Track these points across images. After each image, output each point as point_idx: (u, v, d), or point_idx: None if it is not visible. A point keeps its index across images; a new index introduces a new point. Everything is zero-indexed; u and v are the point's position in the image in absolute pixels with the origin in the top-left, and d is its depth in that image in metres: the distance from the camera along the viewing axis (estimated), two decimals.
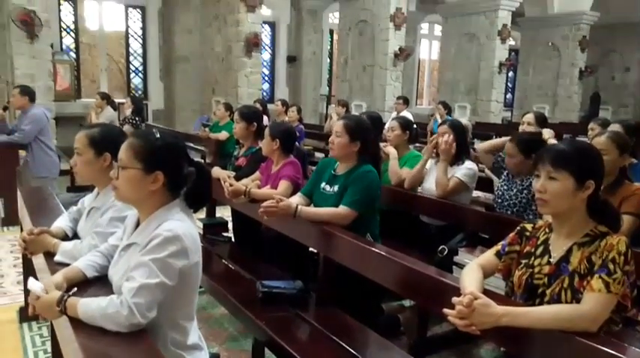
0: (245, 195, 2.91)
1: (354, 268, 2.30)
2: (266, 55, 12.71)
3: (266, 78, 12.87)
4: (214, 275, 2.85)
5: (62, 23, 10.52)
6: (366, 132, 2.68)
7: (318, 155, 8.02)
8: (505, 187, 3.03)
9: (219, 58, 9.50)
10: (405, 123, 3.61)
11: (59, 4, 10.30)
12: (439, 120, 7.09)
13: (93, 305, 1.36)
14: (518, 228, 1.77)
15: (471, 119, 10.58)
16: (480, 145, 3.90)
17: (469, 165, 3.25)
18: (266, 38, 12.60)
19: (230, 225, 3.90)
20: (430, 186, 3.39)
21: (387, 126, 4.65)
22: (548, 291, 1.59)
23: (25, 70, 7.13)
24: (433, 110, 9.84)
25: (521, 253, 1.71)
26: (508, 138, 3.21)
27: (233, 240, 3.64)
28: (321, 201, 2.68)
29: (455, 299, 1.49)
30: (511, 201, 2.95)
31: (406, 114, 6.93)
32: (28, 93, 4.93)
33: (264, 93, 11.94)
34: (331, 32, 14.42)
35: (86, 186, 5.23)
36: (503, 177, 3.12)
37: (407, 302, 3.36)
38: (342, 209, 2.49)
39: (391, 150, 3.50)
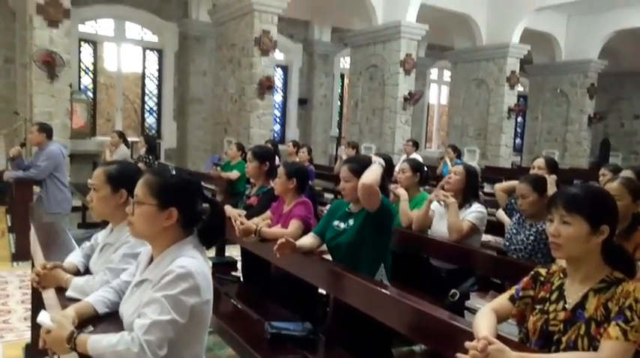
0: (255, 234, 2.93)
1: (363, 310, 2.28)
2: (278, 97, 12.95)
3: (277, 119, 13.07)
4: (222, 315, 2.82)
5: (81, 64, 10.86)
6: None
7: (328, 196, 8.06)
8: (514, 231, 3.02)
9: (232, 99, 9.71)
10: (415, 166, 3.65)
11: (79, 46, 10.65)
12: (449, 164, 7.12)
13: (103, 341, 1.35)
14: (532, 272, 1.75)
15: (480, 163, 10.64)
16: (498, 185, 3.93)
17: (479, 208, 3.25)
18: (278, 81, 12.87)
19: (239, 265, 3.88)
20: (439, 229, 3.38)
21: (397, 168, 4.69)
22: (564, 338, 1.55)
23: (43, 108, 7.32)
24: (442, 153, 9.89)
25: (536, 298, 1.69)
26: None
27: (242, 279, 3.62)
28: (333, 238, 2.69)
29: (468, 344, 1.47)
30: (519, 245, 2.94)
31: (416, 156, 6.98)
32: (46, 130, 5.05)
33: (275, 134, 12.10)
34: (342, 76, 14.72)
35: (97, 223, 5.29)
36: (514, 220, 3.11)
37: (417, 348, 3.29)
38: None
39: (402, 192, 3.51)
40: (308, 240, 2.75)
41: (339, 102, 14.74)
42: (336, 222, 2.73)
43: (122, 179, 1.95)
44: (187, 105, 11.55)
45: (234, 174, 6.20)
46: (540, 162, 3.91)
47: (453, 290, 2.83)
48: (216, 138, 10.42)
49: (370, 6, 10.56)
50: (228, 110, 9.85)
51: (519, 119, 15.56)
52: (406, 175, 3.58)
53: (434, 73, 16.14)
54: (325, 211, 3.19)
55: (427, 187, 4.59)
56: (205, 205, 1.59)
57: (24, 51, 9.25)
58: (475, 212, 3.19)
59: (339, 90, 14.76)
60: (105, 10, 10.78)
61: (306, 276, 2.70)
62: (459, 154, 8.10)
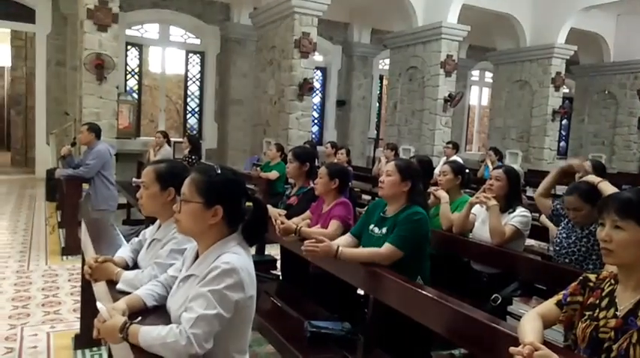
0: (295, 234, 2.95)
1: (403, 311, 2.26)
2: (316, 99, 13.02)
3: (315, 121, 13.14)
4: (262, 313, 2.85)
5: (128, 66, 11.23)
6: (416, 174, 2.69)
7: (365, 197, 8.04)
8: (564, 235, 2.92)
9: (271, 100, 9.83)
10: (457, 168, 3.60)
11: (126, 49, 11.02)
12: (490, 167, 6.99)
13: (154, 333, 1.40)
14: (580, 277, 1.70)
15: (522, 166, 10.37)
16: (536, 193, 3.80)
17: (523, 212, 3.18)
18: (317, 82, 12.94)
19: (278, 263, 3.92)
20: (481, 233, 3.32)
21: (437, 170, 4.64)
22: (614, 347, 1.50)
23: (92, 109, 7.60)
24: (483, 156, 9.71)
25: (584, 304, 1.64)
26: (557, 170, 3.13)
27: (281, 278, 3.66)
28: (368, 243, 2.67)
29: (513, 349, 1.44)
30: (569, 248, 2.84)
31: (456, 159, 6.87)
32: (95, 130, 5.24)
33: (313, 136, 12.16)
34: (381, 77, 14.67)
35: (141, 220, 5.45)
36: (562, 224, 3.01)
37: (457, 352, 3.24)
38: (384, 248, 2.47)
39: (442, 194, 3.47)
40: (345, 240, 2.75)
41: (377, 104, 14.69)
42: (371, 226, 2.72)
43: (170, 177, 2.01)
44: (228, 106, 11.76)
45: (273, 175, 6.27)
46: (588, 165, 3.77)
47: (494, 295, 2.77)
48: (256, 139, 10.56)
49: (411, 7, 10.48)
50: (268, 111, 9.97)
51: (564, 121, 15.09)
52: (447, 177, 3.54)
53: (475, 74, 15.87)
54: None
55: (467, 190, 4.52)
56: (249, 204, 1.62)
57: (74, 54, 9.65)
58: (519, 216, 3.12)
59: (378, 92, 14.71)
60: (150, 15, 11.12)
61: (345, 276, 2.71)
62: (500, 157, 7.94)
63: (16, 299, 3.85)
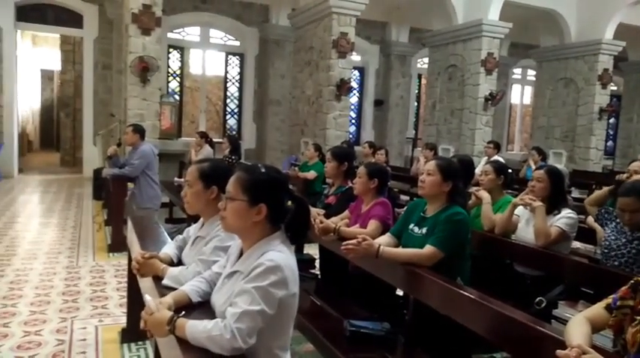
0: (334, 233, 2.96)
1: (443, 312, 2.24)
2: (354, 99, 13.00)
3: (353, 120, 13.12)
4: (301, 311, 2.84)
5: (170, 69, 11.53)
6: (457, 173, 2.67)
7: (404, 197, 7.97)
8: (612, 237, 2.82)
9: (309, 101, 9.88)
10: (499, 168, 3.53)
11: (168, 52, 11.32)
12: (533, 167, 6.81)
13: (200, 326, 1.44)
14: (631, 281, 1.64)
15: (567, 166, 10.05)
16: (587, 200, 3.69)
17: (569, 213, 3.08)
18: (354, 82, 12.93)
19: (317, 263, 3.95)
20: (524, 235, 3.25)
21: (478, 169, 4.56)
22: None
23: (136, 111, 7.83)
24: (526, 156, 9.47)
25: (636, 309, 1.58)
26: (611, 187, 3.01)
27: (320, 277, 3.68)
28: (408, 243, 2.66)
29: (560, 352, 1.40)
30: (619, 251, 2.73)
31: (497, 159, 6.73)
32: (140, 131, 5.41)
33: (351, 136, 12.15)
34: (419, 76, 14.52)
35: (183, 218, 5.57)
36: (611, 226, 2.91)
37: (499, 356, 3.18)
38: (426, 249, 2.45)
39: (484, 195, 3.41)
40: (385, 239, 2.75)
41: (415, 104, 14.54)
42: (411, 225, 2.70)
43: (214, 176, 2.06)
44: (266, 107, 11.90)
45: (311, 174, 6.30)
46: (637, 165, 3.64)
47: (539, 298, 2.71)
48: (293, 139, 10.64)
49: (450, 5, 10.33)
50: (305, 112, 10.02)
51: (611, 120, 14.52)
52: (489, 177, 3.48)
53: (517, 72, 15.49)
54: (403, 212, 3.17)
55: (509, 191, 4.42)
56: (292, 202, 1.64)
57: (120, 58, 9.96)
58: (565, 218, 3.03)
59: (416, 91, 14.56)
60: (191, 18, 11.37)
61: (385, 276, 2.70)
62: (544, 157, 7.72)
63: (67, 294, 4.02)
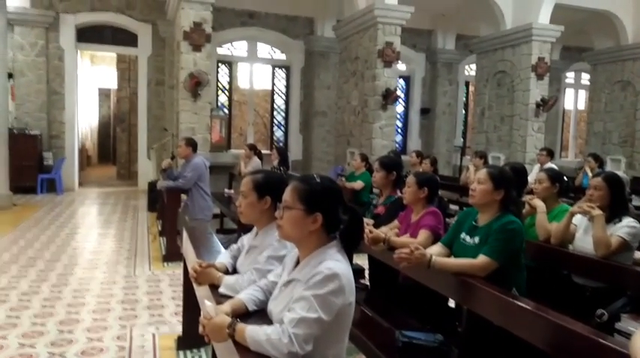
0: (384, 243, 2.96)
1: (499, 323, 2.19)
2: (399, 108, 12.93)
3: (399, 129, 13.04)
4: (352, 321, 2.87)
5: (219, 83, 11.87)
6: (510, 181, 2.62)
7: (453, 207, 7.83)
8: None
9: (355, 111, 9.91)
10: (554, 175, 3.42)
11: (217, 67, 11.66)
12: (589, 174, 6.54)
13: (259, 330, 1.48)
14: None
15: (627, 173, 9.59)
16: None
17: (631, 222, 2.95)
18: (400, 91, 12.86)
19: (366, 273, 3.94)
20: (583, 244, 3.13)
21: (531, 177, 4.44)
22: None
23: (188, 124, 8.11)
24: (581, 163, 9.11)
25: None
26: None
27: (369, 287, 3.67)
28: (460, 252, 2.62)
29: None
30: None
31: (551, 166, 6.52)
32: (192, 144, 5.60)
33: (397, 145, 12.08)
34: (466, 83, 14.29)
35: (234, 229, 5.69)
36: None
37: None
38: (480, 259, 2.41)
39: (539, 203, 3.31)
40: (436, 249, 2.72)
41: (463, 111, 14.30)
42: (463, 235, 2.66)
43: (267, 187, 2.11)
44: (312, 118, 12.02)
45: (358, 184, 6.30)
46: None
47: (600, 310, 2.60)
48: (339, 149, 10.68)
49: (498, 10, 10.15)
50: (351, 122, 10.06)
51: None
52: (544, 186, 3.38)
53: (570, 76, 14.97)
54: (453, 221, 3.13)
55: (565, 199, 4.28)
56: (346, 212, 1.66)
57: (172, 74, 10.37)
58: (627, 227, 2.91)
59: (464, 99, 14.32)
60: (239, 33, 11.69)
61: (436, 286, 2.67)
62: (600, 163, 7.39)
63: (126, 302, 4.19)
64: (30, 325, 3.62)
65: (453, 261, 2.53)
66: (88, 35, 10.94)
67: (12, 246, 5.92)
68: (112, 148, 16.97)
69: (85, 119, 14.15)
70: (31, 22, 10.22)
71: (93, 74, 15.60)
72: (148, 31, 11.04)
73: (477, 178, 2.65)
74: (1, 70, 8.18)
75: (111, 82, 15.71)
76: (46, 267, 5.12)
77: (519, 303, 2.11)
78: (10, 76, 9.51)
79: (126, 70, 13.68)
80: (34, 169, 9.97)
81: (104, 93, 17.40)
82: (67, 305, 4.04)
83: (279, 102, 12.69)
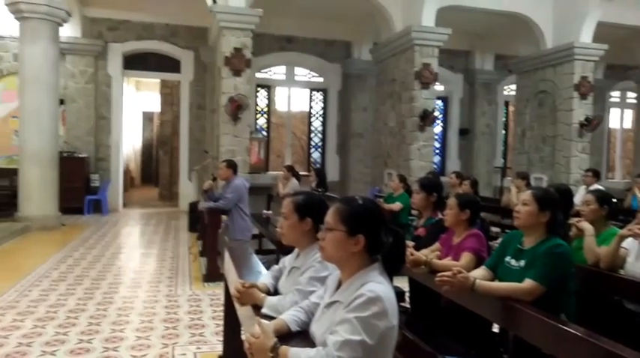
0: (425, 265, 2.92)
1: (547, 350, 2.12)
2: (437, 128, 12.83)
3: (437, 151, 12.92)
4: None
5: (257, 106, 12.11)
6: (555, 203, 2.56)
7: (494, 229, 7.65)
8: None
9: (392, 132, 9.91)
10: (602, 197, 3.32)
11: (256, 91, 11.92)
12: (639, 196, 6.30)
13: (302, 354, 1.48)
14: None
15: None
16: None
17: None
18: (438, 112, 12.79)
19: (406, 296, 3.89)
20: (634, 269, 3.01)
21: (577, 199, 4.31)
22: None
23: (228, 147, 8.29)
24: (629, 184, 8.77)
25: None
26: None
27: (410, 310, 3.61)
28: (505, 276, 2.56)
29: None
30: None
31: (598, 188, 6.31)
32: (233, 166, 5.72)
33: (435, 166, 11.96)
34: (506, 104, 14.08)
35: (272, 249, 5.73)
36: None
37: None
38: (526, 283, 2.35)
39: (586, 226, 3.21)
40: (480, 272, 2.67)
41: (503, 132, 14.06)
42: (508, 258, 2.61)
43: (308, 208, 2.14)
44: (349, 139, 12.08)
45: (396, 206, 6.24)
46: None
47: None
48: (377, 170, 10.67)
49: (538, 30, 10.02)
50: (388, 143, 10.05)
51: None
52: (591, 208, 3.27)
53: (615, 95, 14.54)
54: (496, 244, 3.06)
55: (614, 222, 4.12)
56: (389, 234, 1.66)
57: (212, 98, 10.65)
58: None
59: (504, 119, 14.10)
60: (278, 58, 11.95)
61: (480, 310, 2.61)
62: None
63: (167, 321, 4.26)
64: (77, 341, 3.73)
65: (497, 284, 2.47)
66: (134, 62, 11.41)
67: (60, 264, 6.14)
68: (154, 170, 17.46)
69: (129, 142, 14.65)
70: (82, 51, 10.76)
71: (137, 99, 16.20)
72: (191, 57, 11.42)
73: (521, 200, 2.61)
74: (53, 96, 8.60)
75: (154, 106, 16.27)
76: (92, 285, 5.28)
77: (569, 329, 2.04)
78: (62, 102, 10.00)
79: (169, 94, 14.15)
80: (82, 191, 10.36)
81: (148, 117, 18.01)
82: (112, 323, 4.14)
83: (317, 124, 12.83)
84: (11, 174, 9.14)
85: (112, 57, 11.04)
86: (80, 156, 10.49)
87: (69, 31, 10.18)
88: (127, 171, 14.09)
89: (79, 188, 10.30)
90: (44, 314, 4.30)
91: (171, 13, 10.91)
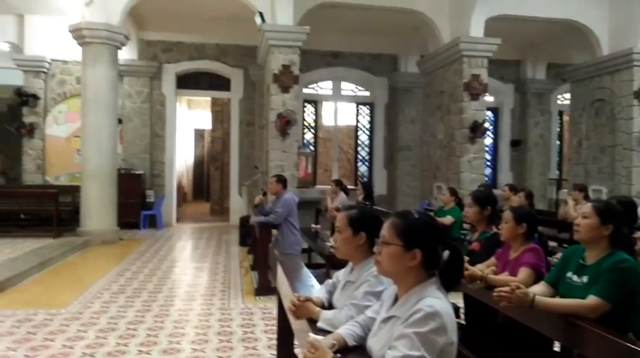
0: (481, 281, 2.85)
1: None
2: (488, 140, 12.55)
3: (488, 163, 12.63)
4: None
5: (305, 122, 12.26)
6: (618, 216, 2.45)
7: (550, 243, 7.37)
8: None
9: (441, 144, 9.78)
10: None
11: (303, 106, 12.08)
12: None
13: None
14: None
15: None
16: None
17: None
18: (488, 123, 12.52)
19: (461, 311, 3.80)
20: None
21: None
22: None
23: (277, 162, 8.42)
24: None
25: None
26: None
27: (465, 326, 3.53)
28: (567, 292, 2.47)
29: None
30: None
31: None
32: (282, 181, 5.81)
33: (487, 179, 11.68)
34: (560, 113, 13.62)
35: (322, 263, 5.74)
36: None
37: None
38: (590, 300, 2.25)
39: None
40: (539, 288, 2.58)
41: (557, 142, 13.58)
42: (569, 273, 2.51)
43: (362, 222, 2.14)
44: (397, 153, 12.01)
45: (448, 220, 6.13)
46: None
47: None
48: (426, 184, 10.53)
49: (593, 37, 9.69)
50: (438, 156, 9.92)
51: None
52: None
53: None
54: (555, 259, 2.96)
55: None
56: (445, 248, 1.64)
57: (261, 114, 10.89)
58: None
59: (558, 129, 13.63)
60: (325, 74, 12.09)
61: (540, 327, 2.51)
62: None
63: (221, 334, 4.35)
64: (137, 353, 3.86)
65: (559, 301, 2.39)
66: (186, 82, 11.85)
67: (119, 277, 6.39)
68: (205, 186, 17.93)
69: (181, 159, 15.15)
70: (138, 73, 11.28)
71: (189, 117, 16.75)
72: (240, 75, 11.74)
73: (581, 213, 2.52)
74: (112, 116, 9.03)
75: (205, 123, 16.77)
76: (149, 297, 5.47)
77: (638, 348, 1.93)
78: (120, 121, 10.48)
79: (219, 112, 14.57)
80: (138, 206, 10.78)
81: (199, 134, 18.57)
82: (169, 335, 4.26)
83: (363, 138, 12.84)
84: (73, 191, 9.63)
85: (165, 77, 11.51)
86: (136, 172, 10.94)
87: (126, 53, 10.69)
88: (179, 187, 14.54)
89: (136, 203, 10.71)
90: (106, 325, 4.48)
91: (221, 34, 11.28)
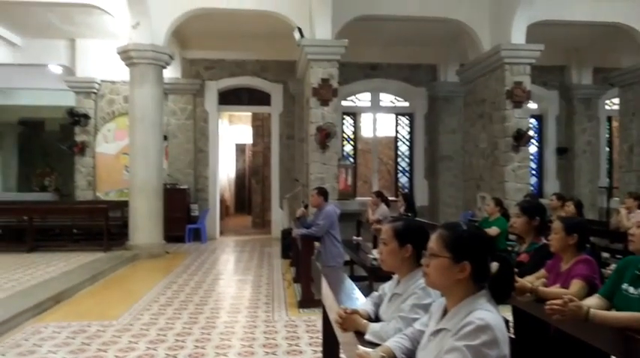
0: (531, 293, 2.78)
1: None
2: (533, 148, 12.23)
3: (533, 171, 12.29)
4: None
5: (344, 134, 12.30)
6: None
7: (603, 254, 7.09)
8: None
9: (484, 154, 9.60)
10: None
11: (342, 119, 12.13)
12: None
13: None
14: None
15: None
16: None
17: None
18: (532, 131, 12.21)
19: (510, 324, 3.70)
20: None
21: None
22: None
23: (317, 174, 8.48)
24: None
25: None
26: None
27: (515, 340, 3.43)
28: (623, 305, 2.38)
29: None
30: None
31: None
32: (324, 193, 5.84)
33: (533, 188, 11.36)
34: (609, 119, 13.14)
35: (364, 276, 5.72)
36: None
37: None
38: None
39: None
40: (593, 301, 2.49)
41: (607, 149, 13.09)
42: (625, 285, 2.42)
43: (408, 234, 2.14)
44: (438, 163, 11.86)
45: (493, 231, 6.00)
46: None
47: None
48: (468, 194, 10.35)
49: None
50: (480, 165, 9.74)
51: None
52: None
53: None
54: (609, 271, 2.85)
55: None
56: (495, 261, 1.62)
57: (301, 128, 11.01)
58: None
59: (607, 135, 13.14)
60: (363, 85, 12.13)
61: (596, 341, 2.43)
62: None
63: (267, 346, 4.39)
64: None
65: (615, 314, 2.30)
66: (228, 98, 12.13)
67: (167, 290, 6.56)
68: (247, 199, 18.20)
69: (224, 173, 15.45)
70: (182, 90, 11.64)
71: (231, 132, 17.11)
72: (280, 90, 11.93)
73: (635, 222, 2.44)
74: (158, 133, 9.34)
75: (246, 138, 17.07)
76: (195, 309, 5.58)
77: None
78: (165, 138, 10.82)
79: (260, 126, 14.80)
80: (183, 220, 11.06)
81: (240, 149, 18.92)
82: (216, 347, 4.33)
83: (403, 148, 12.76)
84: (122, 206, 9.97)
85: (208, 94, 11.82)
86: (181, 187, 11.24)
87: (171, 72, 11.06)
88: (222, 201, 14.81)
89: (181, 217, 10.99)
90: (155, 337, 4.60)
91: (261, 50, 11.51)
